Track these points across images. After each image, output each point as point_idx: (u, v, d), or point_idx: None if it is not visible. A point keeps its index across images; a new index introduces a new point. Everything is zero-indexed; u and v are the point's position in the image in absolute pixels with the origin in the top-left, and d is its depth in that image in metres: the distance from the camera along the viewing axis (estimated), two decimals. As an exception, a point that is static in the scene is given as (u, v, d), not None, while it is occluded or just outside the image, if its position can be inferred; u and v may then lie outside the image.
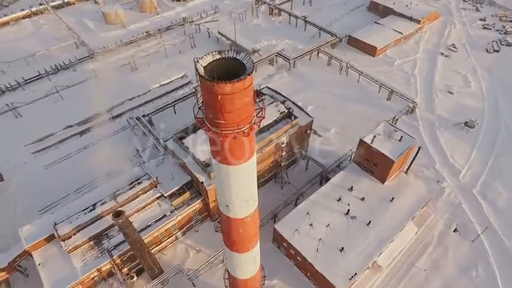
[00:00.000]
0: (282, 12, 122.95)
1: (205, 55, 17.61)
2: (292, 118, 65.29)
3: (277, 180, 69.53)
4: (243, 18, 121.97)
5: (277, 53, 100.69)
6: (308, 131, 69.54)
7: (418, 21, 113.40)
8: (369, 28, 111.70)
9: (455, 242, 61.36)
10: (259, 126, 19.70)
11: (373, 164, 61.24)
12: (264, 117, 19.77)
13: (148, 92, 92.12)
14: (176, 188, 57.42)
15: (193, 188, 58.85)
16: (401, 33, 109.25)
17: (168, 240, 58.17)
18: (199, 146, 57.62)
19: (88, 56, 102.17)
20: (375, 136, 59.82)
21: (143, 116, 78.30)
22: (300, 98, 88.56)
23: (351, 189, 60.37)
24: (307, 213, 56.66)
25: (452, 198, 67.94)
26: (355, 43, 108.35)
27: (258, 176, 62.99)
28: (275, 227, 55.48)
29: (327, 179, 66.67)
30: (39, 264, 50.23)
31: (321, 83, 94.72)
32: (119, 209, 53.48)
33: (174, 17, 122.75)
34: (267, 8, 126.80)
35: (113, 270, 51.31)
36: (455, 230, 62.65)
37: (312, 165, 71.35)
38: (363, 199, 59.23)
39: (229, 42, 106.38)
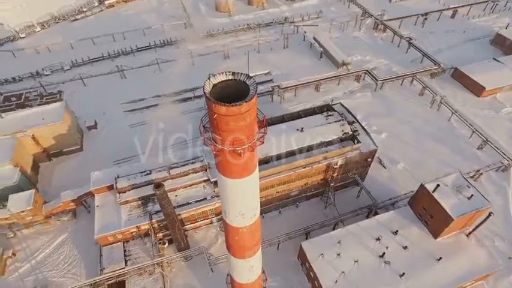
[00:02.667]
0: (387, 29, 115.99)
1: (219, 73, 18.88)
2: (355, 142, 62.56)
3: (322, 199, 67.83)
4: (343, 28, 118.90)
5: (367, 70, 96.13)
6: (369, 159, 65.82)
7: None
8: (483, 64, 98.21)
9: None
10: (252, 149, 20.23)
11: (429, 214, 55.28)
12: (263, 143, 20.26)
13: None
14: (222, 177, 60.58)
15: (238, 181, 61.31)
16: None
17: (203, 221, 62.21)
18: (253, 144, 59.47)
19: (192, 38, 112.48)
20: (438, 185, 53.78)
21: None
22: (376, 122, 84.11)
23: (396, 233, 55.66)
24: (339, 242, 54.38)
25: (521, 283, 57.38)
26: (460, 78, 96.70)
27: (303, 189, 63.49)
28: (302, 244, 54.76)
29: (375, 214, 62.75)
30: (97, 206, 59.08)
31: (404, 112, 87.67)
32: (169, 180, 59.59)
33: (277, 15, 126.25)
34: (372, 22, 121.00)
35: (150, 232, 57.39)
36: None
37: (364, 195, 67.53)
38: (405, 247, 54.19)
39: (321, 49, 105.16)
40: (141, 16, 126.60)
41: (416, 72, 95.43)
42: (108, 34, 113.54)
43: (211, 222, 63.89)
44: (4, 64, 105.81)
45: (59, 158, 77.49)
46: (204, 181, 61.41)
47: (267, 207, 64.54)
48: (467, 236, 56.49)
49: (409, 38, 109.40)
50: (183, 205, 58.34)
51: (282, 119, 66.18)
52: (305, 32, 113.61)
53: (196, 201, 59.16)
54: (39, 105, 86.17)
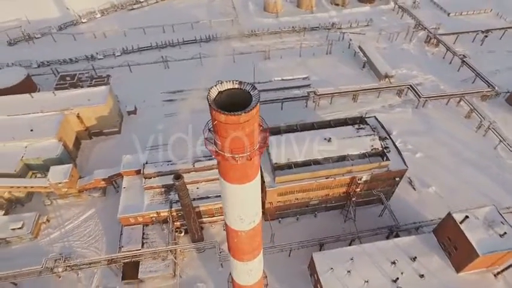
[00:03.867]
0: (440, 43, 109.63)
1: (227, 81, 19.34)
2: (384, 158, 60.34)
3: (343, 212, 66.26)
4: (392, 39, 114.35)
5: (411, 85, 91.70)
6: (397, 179, 63.13)
7: None
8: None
9: None
10: (250, 159, 20.44)
11: (454, 246, 51.99)
12: (261, 153, 20.38)
13: (268, 82, 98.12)
14: (244, 176, 61.46)
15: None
16: None
17: (220, 217, 63.53)
18: (278, 148, 59.65)
19: (236, 35, 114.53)
20: (467, 216, 50.40)
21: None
22: (412, 141, 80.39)
23: (414, 259, 52.97)
24: (352, 259, 52.90)
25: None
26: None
27: (323, 199, 62.45)
28: (313, 254, 54.05)
29: (396, 236, 60.25)
30: (124, 187, 62.76)
31: (445, 134, 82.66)
32: (192, 173, 61.61)
33: (324, 20, 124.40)
34: (424, 36, 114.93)
35: (168, 219, 59.82)
36: None
37: (387, 215, 64.89)
38: (422, 276, 51.46)
39: (365, 59, 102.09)
40: (191, 10, 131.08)
41: (466, 93, 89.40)
42: (159, 25, 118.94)
43: (228, 219, 64.96)
44: (65, 46, 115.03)
45: (99, 137, 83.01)
46: (226, 178, 62.53)
47: (284, 212, 64.42)
48: (494, 276, 52.45)
49: (463, 55, 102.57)
50: (202, 198, 60.08)
51: (311, 126, 65.61)
52: (350, 40, 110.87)
53: (216, 196, 60.56)
54: (88, 86, 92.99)
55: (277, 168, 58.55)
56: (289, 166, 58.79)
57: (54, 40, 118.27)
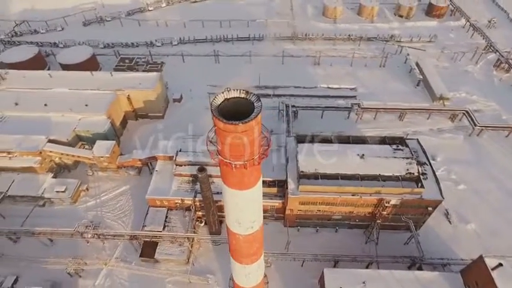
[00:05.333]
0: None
1: (234, 90, 19.69)
2: (418, 185, 56.86)
3: (365, 233, 63.72)
4: (456, 59, 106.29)
5: (467, 111, 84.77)
6: (430, 209, 59.11)
7: None
8: None
9: None
10: (245, 168, 20.56)
11: (481, 292, 47.62)
12: (259, 164, 20.40)
13: (314, 88, 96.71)
14: (269, 179, 61.87)
15: (283, 188, 61.73)
16: None
17: (240, 214, 64.45)
18: (307, 156, 58.94)
19: (289, 37, 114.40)
20: (501, 264, 45.80)
21: (292, 106, 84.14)
22: (457, 171, 74.85)
23: (433, 297, 49.52)
24: (364, 282, 50.84)
25: None
26: None
27: (346, 216, 60.48)
28: (324, 270, 52.77)
29: (419, 269, 56.72)
30: (156, 170, 66.39)
31: (498, 168, 75.47)
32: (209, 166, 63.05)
33: (384, 31, 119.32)
34: (494, 59, 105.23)
35: (191, 208, 62.17)
36: None
37: (413, 245, 61.04)
38: (438, 317, 47.97)
39: (421, 77, 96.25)
40: (250, 8, 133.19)
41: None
42: (216, 20, 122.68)
43: (248, 218, 65.78)
44: (129, 30, 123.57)
45: (144, 120, 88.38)
46: (252, 177, 63.26)
47: (304, 221, 63.62)
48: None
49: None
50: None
51: (346, 139, 63.74)
52: (408, 55, 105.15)
53: (239, 194, 61.49)
54: (143, 71, 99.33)
55: (303, 177, 57.90)
56: (315, 176, 57.83)
57: (122, 24, 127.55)
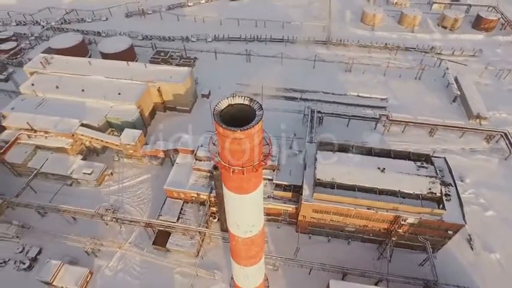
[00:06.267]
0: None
1: (239, 96, 19.92)
2: (439, 206, 54.36)
3: (379, 249, 61.90)
4: (500, 76, 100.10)
5: (506, 133, 79.68)
6: (450, 232, 56.34)
7: None
8: None
9: None
10: (243, 173, 20.65)
11: (495, 328, 44.82)
12: (257, 171, 20.45)
13: (343, 95, 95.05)
14: (285, 183, 61.80)
15: (297, 194, 61.36)
16: None
17: (253, 214, 64.86)
18: (325, 164, 58.18)
19: (323, 42, 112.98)
20: (520, 301, 42.83)
21: (318, 111, 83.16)
22: (487, 196, 70.94)
23: (442, 325, 47.31)
24: (370, 300, 49.57)
25: None
26: None
27: (360, 229, 59.03)
28: (330, 282, 51.98)
29: (431, 293, 54.35)
30: (176, 163, 68.34)
31: (533, 198, 70.35)
32: (237, 166, 63.73)
33: (424, 42, 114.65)
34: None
35: (205, 203, 63.42)
36: None
37: (428, 267, 58.57)
38: None
39: (458, 93, 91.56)
40: (287, 10, 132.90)
41: None
42: (252, 19, 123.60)
43: (261, 219, 66.06)
44: (168, 24, 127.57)
45: (172, 112, 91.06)
46: (268, 179, 63.53)
47: (317, 229, 62.88)
48: None
49: None
50: (240, 193, 61.98)
51: (368, 151, 62.11)
52: (447, 68, 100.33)
53: (253, 195, 61.92)
54: (176, 65, 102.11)
55: (319, 184, 57.22)
56: (331, 185, 56.93)
57: (161, 18, 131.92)
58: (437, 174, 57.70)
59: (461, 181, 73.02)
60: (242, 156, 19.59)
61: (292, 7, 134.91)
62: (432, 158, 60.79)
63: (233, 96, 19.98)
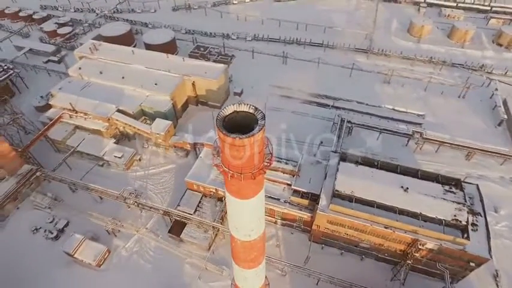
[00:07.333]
0: None
1: (245, 104, 20.12)
2: (463, 236, 51.23)
3: (393, 270, 59.51)
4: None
5: (554, 166, 73.04)
6: (473, 264, 52.90)
7: None
8: None
9: None
10: (240, 180, 20.73)
11: None
12: (254, 179, 20.47)
13: (377, 107, 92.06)
14: (303, 190, 61.23)
15: (314, 202, 60.58)
16: None
17: (268, 217, 65.03)
18: (346, 176, 56.94)
19: (364, 50, 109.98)
20: None
21: (348, 121, 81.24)
22: (520, 231, 65.19)
23: None
24: (375, 322, 47.93)
25: None
26: None
27: (375, 247, 57.09)
28: (336, 296, 50.95)
29: (443, 326, 51.46)
30: (200, 156, 70.14)
31: None
32: (257, 167, 64.13)
33: (474, 59, 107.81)
34: None
35: (223, 200, 64.54)
36: None
37: (445, 297, 55.53)
38: None
39: (505, 116, 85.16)
40: (331, 14, 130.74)
41: None
42: (294, 22, 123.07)
43: (275, 223, 66.15)
44: (211, 20, 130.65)
45: (203, 107, 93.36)
46: (287, 184, 63.37)
47: (330, 240, 61.74)
48: None
49: None
50: (257, 194, 62.40)
51: (394, 168, 59.86)
52: (496, 90, 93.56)
53: (269, 197, 62.18)
54: (213, 61, 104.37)
55: (337, 196, 56.15)
56: (350, 199, 55.61)
57: (206, 14, 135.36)
58: (465, 201, 54.39)
59: (496, 212, 68.24)
60: (240, 163, 19.90)
61: (337, 12, 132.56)
62: (463, 184, 57.30)
63: (239, 104, 20.33)
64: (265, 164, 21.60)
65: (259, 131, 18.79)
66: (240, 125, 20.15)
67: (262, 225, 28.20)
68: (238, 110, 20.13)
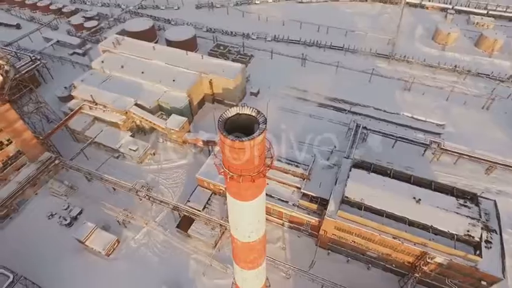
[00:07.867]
0: None
1: (248, 107, 20.14)
2: (475, 252, 49.54)
3: (400, 282, 58.17)
4: None
5: None
6: (484, 283, 50.99)
7: None
8: None
9: None
10: (239, 182, 20.73)
11: None
12: (253, 181, 20.45)
13: (395, 114, 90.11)
14: (313, 194, 60.80)
15: (323, 207, 60.00)
16: None
17: (275, 219, 64.94)
18: (357, 183, 56.15)
19: (385, 55, 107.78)
20: None
21: (364, 127, 79.88)
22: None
23: None
24: (377, 333, 47.04)
25: None
26: None
27: (382, 257, 55.95)
28: (339, 303, 50.32)
29: None
30: (213, 153, 70.77)
31: None
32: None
33: (502, 69, 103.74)
34: None
35: (232, 198, 64.88)
36: None
37: (453, 314, 53.84)
38: None
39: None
40: (354, 18, 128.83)
41: None
42: (315, 24, 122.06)
43: (282, 225, 65.94)
44: (232, 20, 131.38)
45: (219, 105, 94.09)
46: (296, 187, 63.06)
47: (337, 247, 61.00)
48: None
49: None
50: (266, 194, 62.34)
51: (407, 178, 58.52)
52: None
53: (278, 199, 62.08)
54: (232, 60, 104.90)
55: (346, 203, 55.47)
56: (359, 206, 54.79)
57: (227, 13, 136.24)
58: (480, 216, 52.56)
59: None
60: (240, 165, 19.99)
61: (360, 15, 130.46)
62: (479, 198, 55.44)
63: (242, 106, 20.43)
64: (267, 165, 21.56)
65: (259, 134, 18.81)
66: (244, 128, 20.24)
67: (262, 228, 28.21)
68: (241, 112, 20.24)
